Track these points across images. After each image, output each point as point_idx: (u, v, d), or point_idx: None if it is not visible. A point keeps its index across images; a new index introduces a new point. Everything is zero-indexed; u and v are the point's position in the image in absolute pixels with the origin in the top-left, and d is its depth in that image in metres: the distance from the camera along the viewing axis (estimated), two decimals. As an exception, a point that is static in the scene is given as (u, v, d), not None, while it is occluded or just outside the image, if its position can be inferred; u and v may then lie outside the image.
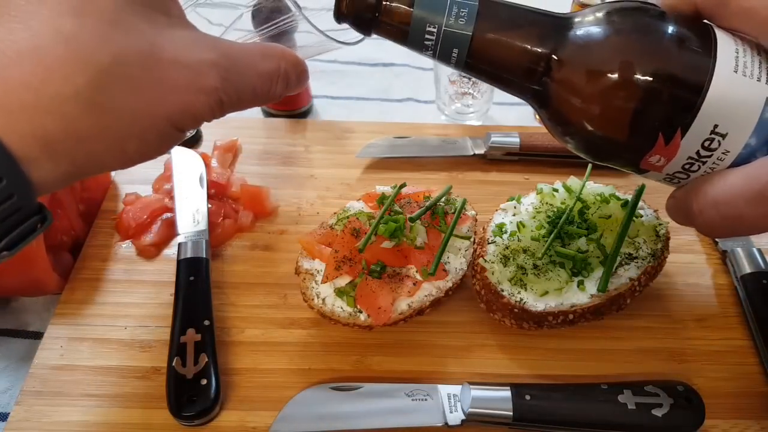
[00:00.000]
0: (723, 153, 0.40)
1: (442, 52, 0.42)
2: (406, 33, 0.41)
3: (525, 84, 0.43)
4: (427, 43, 0.41)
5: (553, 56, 0.41)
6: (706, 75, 0.39)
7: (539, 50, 0.41)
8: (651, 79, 0.39)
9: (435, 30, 0.41)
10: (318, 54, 0.50)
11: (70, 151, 0.33)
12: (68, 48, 0.31)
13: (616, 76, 0.40)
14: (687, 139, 0.40)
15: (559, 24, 0.42)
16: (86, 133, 0.33)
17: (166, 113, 0.35)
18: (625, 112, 0.40)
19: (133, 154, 0.36)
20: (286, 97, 0.44)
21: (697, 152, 0.41)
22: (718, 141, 0.40)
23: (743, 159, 0.40)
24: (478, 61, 0.42)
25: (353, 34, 0.45)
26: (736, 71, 0.39)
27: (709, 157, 0.41)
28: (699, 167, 0.42)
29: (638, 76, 0.39)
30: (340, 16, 0.42)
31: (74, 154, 0.33)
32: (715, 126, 0.39)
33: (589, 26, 0.41)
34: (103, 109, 0.33)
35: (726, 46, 0.40)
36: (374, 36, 0.44)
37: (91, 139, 0.33)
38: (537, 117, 0.90)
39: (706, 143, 0.40)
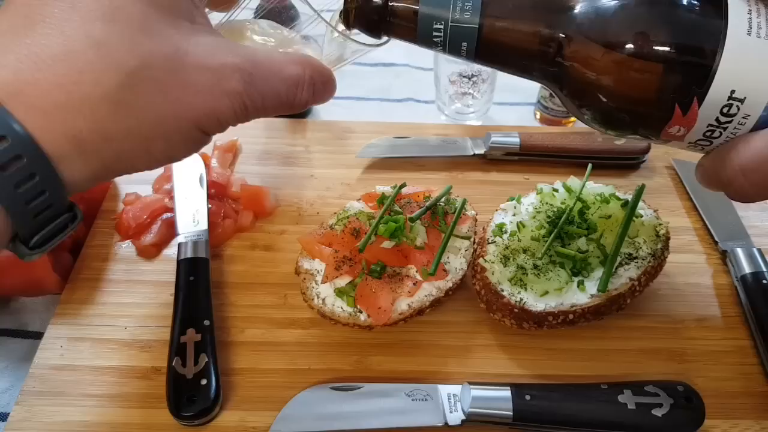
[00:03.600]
0: (743, 117, 0.39)
1: (451, 46, 0.42)
2: (414, 32, 0.42)
3: (537, 67, 0.43)
4: (435, 39, 0.41)
5: (563, 36, 0.41)
6: (718, 41, 0.38)
7: (548, 32, 0.41)
8: (658, 50, 0.38)
9: (442, 26, 0.41)
10: (344, 63, 0.50)
11: (99, 150, 0.34)
12: (98, 52, 0.32)
13: (621, 50, 0.39)
14: (704, 107, 0.39)
15: (564, 3, 0.42)
16: (114, 133, 0.34)
17: (191, 116, 0.36)
18: (637, 86, 0.40)
19: (158, 154, 0.37)
20: None
21: (717, 119, 0.40)
22: (737, 106, 0.39)
23: (765, 121, 0.39)
24: (489, 51, 0.42)
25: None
26: (749, 34, 0.38)
27: (730, 122, 0.40)
28: (721, 133, 0.41)
29: (645, 49, 0.38)
30: (348, 21, 0.43)
31: (103, 153, 0.34)
32: (732, 91, 0.38)
33: (593, 1, 0.41)
34: (131, 110, 0.34)
35: (738, 8, 0.38)
36: (384, 38, 0.44)
37: (118, 139, 0.34)
38: (537, 117, 0.90)
39: (725, 109, 0.39)
